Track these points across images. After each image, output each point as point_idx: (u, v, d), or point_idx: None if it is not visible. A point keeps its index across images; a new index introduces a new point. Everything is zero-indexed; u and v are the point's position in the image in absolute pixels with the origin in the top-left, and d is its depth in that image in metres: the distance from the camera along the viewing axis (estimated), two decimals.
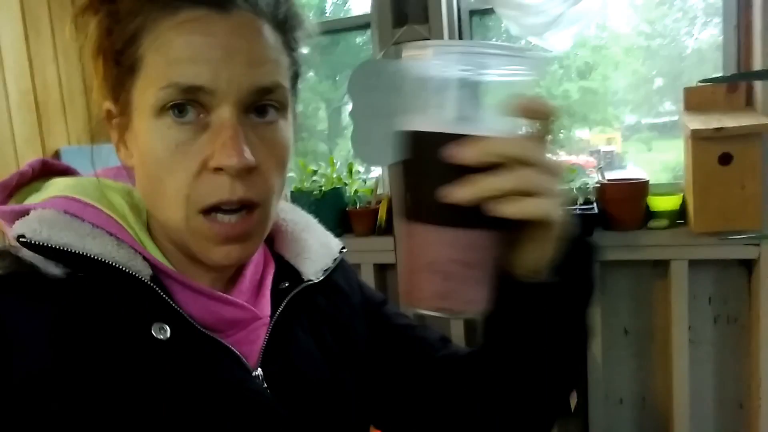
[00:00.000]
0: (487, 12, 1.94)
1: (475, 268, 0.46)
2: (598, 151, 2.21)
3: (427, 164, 0.44)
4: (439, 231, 0.45)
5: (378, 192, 2.13)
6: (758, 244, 1.64)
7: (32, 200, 0.56)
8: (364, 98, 1.93)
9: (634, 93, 2.19)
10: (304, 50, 0.59)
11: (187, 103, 0.50)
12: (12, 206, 0.55)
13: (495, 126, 0.45)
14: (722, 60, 1.76)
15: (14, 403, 0.46)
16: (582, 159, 1.91)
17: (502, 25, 1.97)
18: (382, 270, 2.05)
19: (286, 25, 0.55)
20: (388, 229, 1.99)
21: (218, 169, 0.50)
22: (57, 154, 2.00)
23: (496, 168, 0.44)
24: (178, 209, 0.52)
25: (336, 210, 2.06)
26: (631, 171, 2.21)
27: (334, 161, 2.14)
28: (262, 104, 0.52)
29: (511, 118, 0.45)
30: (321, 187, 2.04)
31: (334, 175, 2.10)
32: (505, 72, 0.44)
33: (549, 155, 0.46)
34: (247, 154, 0.49)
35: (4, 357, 0.47)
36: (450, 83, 0.44)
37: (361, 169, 2.21)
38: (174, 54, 0.49)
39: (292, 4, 0.57)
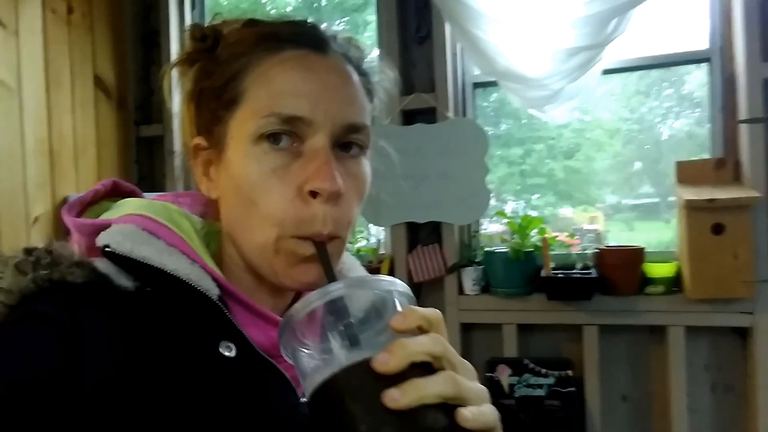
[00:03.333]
0: (491, 84, 2.06)
1: None
2: (582, 229, 2.28)
3: (361, 400, 0.40)
4: None
5: (380, 252, 2.17)
6: (752, 313, 1.69)
7: (106, 217, 0.59)
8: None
9: (615, 174, 2.30)
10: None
11: (283, 133, 0.54)
12: (93, 220, 0.58)
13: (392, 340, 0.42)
14: (709, 140, 1.88)
15: (83, 408, 0.48)
16: (566, 237, 1.99)
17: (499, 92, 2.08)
18: None
19: (368, 76, 0.61)
20: None
21: (312, 194, 0.53)
22: (65, 201, 2.02)
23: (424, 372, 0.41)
24: (269, 230, 0.54)
25: None
26: None
27: None
28: (348, 141, 0.56)
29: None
30: None
31: None
32: (374, 292, 0.44)
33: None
34: (339, 179, 0.53)
35: (79, 362, 0.48)
36: (325, 317, 0.43)
37: (364, 229, 2.25)
38: (277, 87, 0.54)
39: (371, 59, 0.62)
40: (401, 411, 0.39)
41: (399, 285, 0.45)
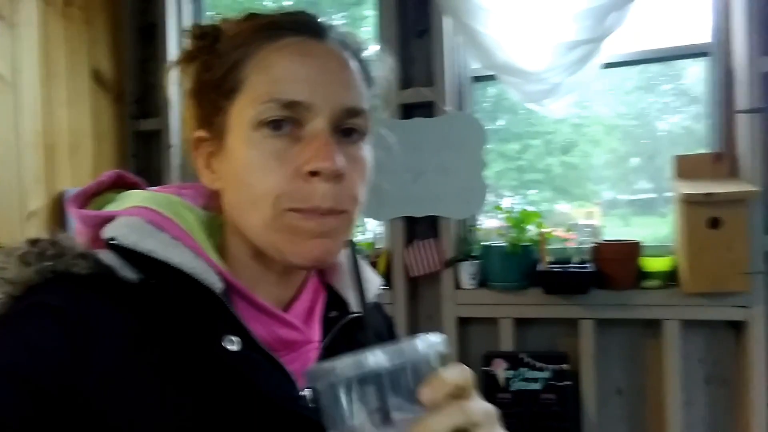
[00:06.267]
0: (489, 78, 2.06)
1: None
2: (578, 225, 2.29)
3: None
4: None
5: (377, 246, 2.17)
6: (747, 306, 1.70)
7: (110, 208, 0.59)
8: None
9: (612, 170, 2.31)
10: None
11: (283, 119, 0.54)
12: (97, 212, 0.58)
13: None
14: (707, 134, 1.89)
15: (88, 398, 0.48)
16: (563, 231, 2.00)
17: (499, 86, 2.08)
18: None
19: (366, 64, 0.62)
20: (386, 282, 2.02)
21: (312, 174, 0.53)
22: (61, 195, 2.01)
23: None
24: (266, 208, 0.54)
25: None
26: None
27: None
28: (347, 127, 0.57)
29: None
30: None
31: None
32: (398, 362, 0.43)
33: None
34: (339, 160, 0.54)
35: (84, 353, 0.49)
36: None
37: (361, 223, 2.25)
38: (276, 73, 0.55)
39: (369, 48, 0.63)
40: None
41: (436, 346, 0.45)
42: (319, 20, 0.60)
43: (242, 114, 0.55)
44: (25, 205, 1.90)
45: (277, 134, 0.54)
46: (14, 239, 0.55)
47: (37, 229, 1.91)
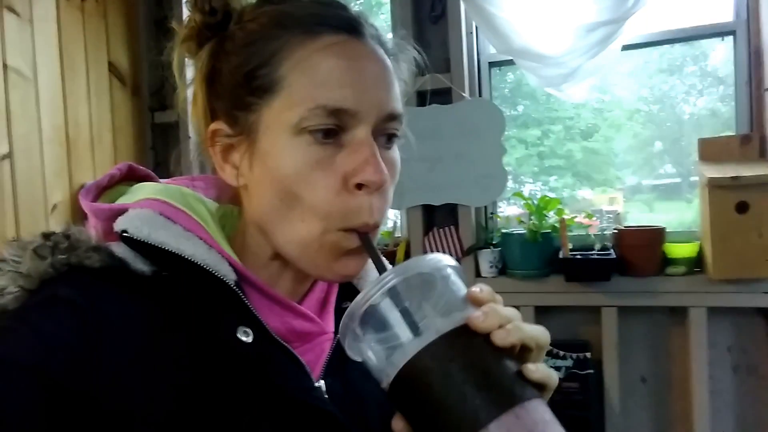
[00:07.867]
0: (507, 63, 2.03)
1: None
2: (601, 211, 2.26)
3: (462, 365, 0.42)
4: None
5: (396, 235, 2.16)
6: None
7: (122, 201, 0.58)
8: None
9: (635, 155, 2.26)
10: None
11: (328, 127, 0.52)
12: (109, 205, 0.57)
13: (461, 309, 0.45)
14: (735, 116, 1.84)
15: (102, 390, 0.48)
16: (584, 218, 1.97)
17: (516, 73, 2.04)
18: None
19: (396, 60, 0.59)
20: None
21: (358, 186, 0.52)
22: (82, 188, 2.03)
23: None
24: (315, 224, 0.53)
25: None
26: None
27: None
28: (386, 131, 0.55)
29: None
30: None
31: None
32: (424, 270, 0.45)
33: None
34: (384, 170, 0.52)
35: (99, 345, 0.49)
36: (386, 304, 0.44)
37: None
38: (320, 77, 0.51)
39: (394, 39, 0.60)
40: (503, 360, 0.43)
41: (447, 260, 0.47)
42: (354, 14, 0.56)
43: (281, 117, 0.52)
44: (48, 198, 1.93)
45: (319, 141, 0.52)
46: (38, 232, 0.55)
47: (60, 223, 1.94)
